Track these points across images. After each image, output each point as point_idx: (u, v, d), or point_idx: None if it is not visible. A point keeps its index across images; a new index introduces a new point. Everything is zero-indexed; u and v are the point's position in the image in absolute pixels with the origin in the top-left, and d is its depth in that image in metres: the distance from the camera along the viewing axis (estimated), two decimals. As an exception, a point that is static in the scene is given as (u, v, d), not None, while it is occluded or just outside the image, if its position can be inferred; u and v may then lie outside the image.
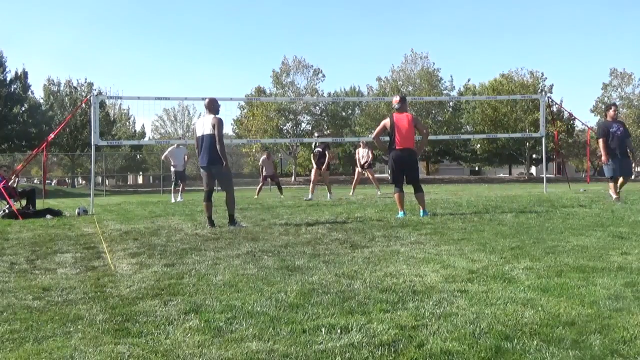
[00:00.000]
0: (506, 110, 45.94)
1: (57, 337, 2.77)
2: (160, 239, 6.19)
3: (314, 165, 13.24)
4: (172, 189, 14.91)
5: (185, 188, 15.30)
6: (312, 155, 13.23)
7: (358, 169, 15.44)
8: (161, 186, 35.81)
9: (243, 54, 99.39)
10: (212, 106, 7.45)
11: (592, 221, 6.60)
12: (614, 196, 9.54)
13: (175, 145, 15.13)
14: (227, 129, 49.99)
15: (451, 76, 62.44)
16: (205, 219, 7.51)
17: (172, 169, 14.75)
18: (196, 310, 3.17)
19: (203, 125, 7.36)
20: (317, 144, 13.38)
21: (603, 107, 49.73)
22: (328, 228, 6.68)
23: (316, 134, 14.44)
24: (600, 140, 9.61)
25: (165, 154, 14.95)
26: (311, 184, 13.24)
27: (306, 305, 3.18)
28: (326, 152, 13.16)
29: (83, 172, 51.44)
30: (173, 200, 13.75)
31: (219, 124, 7.26)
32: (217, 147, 7.21)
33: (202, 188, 7.69)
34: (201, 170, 7.58)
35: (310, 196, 12.81)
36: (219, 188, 8.02)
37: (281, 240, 5.81)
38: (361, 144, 15.85)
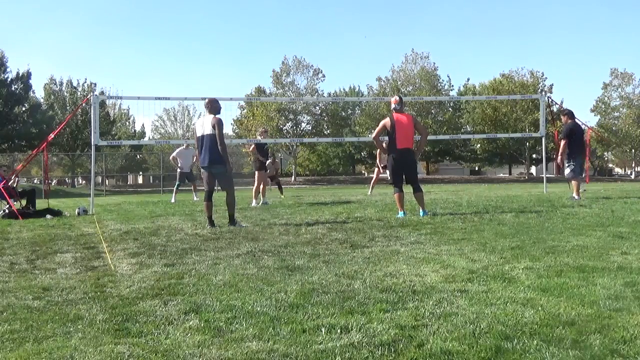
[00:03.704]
0: (506, 110, 45.95)
1: (57, 337, 2.77)
2: (160, 239, 6.19)
3: (257, 169, 11.83)
4: (174, 189, 14.92)
5: (197, 188, 15.31)
6: (258, 158, 11.75)
7: (378, 169, 15.35)
8: (161, 186, 35.83)
9: (243, 54, 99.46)
10: (212, 106, 7.47)
11: (592, 221, 6.60)
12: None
13: (184, 146, 14.95)
14: (227, 129, 49.99)
15: (448, 76, 62.36)
16: (205, 219, 7.51)
17: (178, 169, 14.75)
18: (196, 310, 3.17)
19: (203, 125, 7.38)
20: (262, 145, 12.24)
21: (603, 107, 49.89)
22: (328, 228, 6.67)
23: (259, 136, 12.85)
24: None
25: (174, 154, 14.88)
26: (262, 188, 11.93)
27: (306, 305, 3.18)
28: (263, 155, 12.15)
29: (83, 172, 51.42)
30: (173, 201, 13.74)
31: (219, 124, 7.28)
32: (219, 147, 7.23)
33: (202, 188, 7.69)
34: (201, 170, 7.60)
35: (263, 200, 11.76)
36: (219, 188, 8.02)
37: (281, 240, 5.81)
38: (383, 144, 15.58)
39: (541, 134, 12.81)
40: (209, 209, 7.40)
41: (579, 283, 3.50)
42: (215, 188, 7.81)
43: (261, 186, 11.91)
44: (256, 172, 11.96)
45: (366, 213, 8.40)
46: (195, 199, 14.17)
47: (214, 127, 7.24)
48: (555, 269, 3.95)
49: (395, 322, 2.81)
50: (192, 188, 15.34)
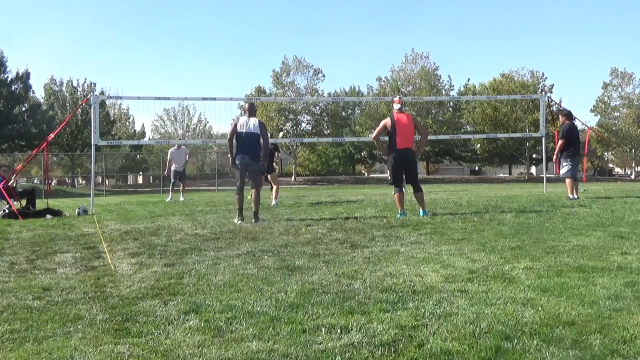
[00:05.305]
0: (506, 110, 45.93)
1: (57, 337, 2.77)
2: (160, 239, 6.19)
3: (269, 170, 11.67)
4: (170, 188, 14.98)
5: (186, 188, 15.37)
6: (274, 160, 12.05)
7: None
8: (161, 186, 35.72)
9: (243, 54, 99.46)
10: (253, 109, 8.25)
11: (592, 221, 6.60)
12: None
13: (175, 147, 15.15)
14: (227, 129, 49.81)
15: (449, 76, 62.22)
16: (235, 211, 7.91)
17: (172, 169, 14.82)
18: (196, 310, 3.17)
19: (247, 123, 7.92)
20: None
21: (603, 106, 49.84)
22: (328, 228, 6.67)
23: (281, 134, 13.15)
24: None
25: (169, 157, 14.96)
26: (275, 190, 11.94)
27: (306, 305, 3.18)
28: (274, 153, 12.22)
29: (83, 172, 51.39)
30: (168, 199, 13.76)
31: (265, 127, 8.18)
32: (265, 148, 8.01)
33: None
34: (238, 164, 7.89)
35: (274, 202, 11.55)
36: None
37: (281, 240, 5.81)
38: None
39: (541, 134, 12.82)
40: (240, 202, 7.77)
41: (579, 283, 3.50)
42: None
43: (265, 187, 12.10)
44: (272, 174, 12.21)
45: (366, 213, 8.40)
46: (182, 199, 14.04)
47: (261, 129, 7.92)
48: (555, 269, 3.95)
49: (395, 322, 2.80)
50: (180, 188, 15.12)
